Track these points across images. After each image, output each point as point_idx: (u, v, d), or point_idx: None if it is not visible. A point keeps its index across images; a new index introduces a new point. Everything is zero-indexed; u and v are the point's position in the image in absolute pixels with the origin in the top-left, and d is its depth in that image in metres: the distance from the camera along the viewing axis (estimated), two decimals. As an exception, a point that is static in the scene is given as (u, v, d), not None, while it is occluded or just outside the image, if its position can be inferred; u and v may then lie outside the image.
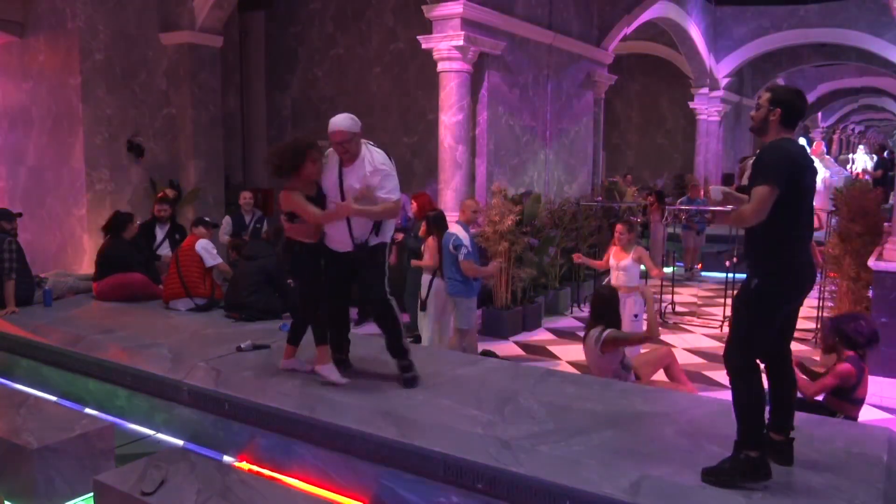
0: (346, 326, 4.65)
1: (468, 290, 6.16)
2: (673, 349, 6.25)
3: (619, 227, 6.46)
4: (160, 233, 7.58)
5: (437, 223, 6.24)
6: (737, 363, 3.05)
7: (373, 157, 4.21)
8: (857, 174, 18.63)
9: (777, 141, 3.04)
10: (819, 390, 4.34)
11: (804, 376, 4.46)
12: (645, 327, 5.64)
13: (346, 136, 4.09)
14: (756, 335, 3.04)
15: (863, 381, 4.38)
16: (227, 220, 8.11)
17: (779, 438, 3.18)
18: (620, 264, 6.30)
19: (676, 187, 16.11)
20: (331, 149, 4.27)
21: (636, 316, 6.27)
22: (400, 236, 7.14)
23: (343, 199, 4.19)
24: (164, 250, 7.44)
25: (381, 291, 4.39)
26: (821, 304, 7.90)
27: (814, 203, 3.10)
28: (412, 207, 7.46)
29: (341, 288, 4.52)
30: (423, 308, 6.25)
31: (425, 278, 6.25)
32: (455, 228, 6.18)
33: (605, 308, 5.13)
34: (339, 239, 4.30)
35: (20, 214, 6.78)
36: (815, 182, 3.11)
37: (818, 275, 3.35)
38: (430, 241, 6.23)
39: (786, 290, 3.04)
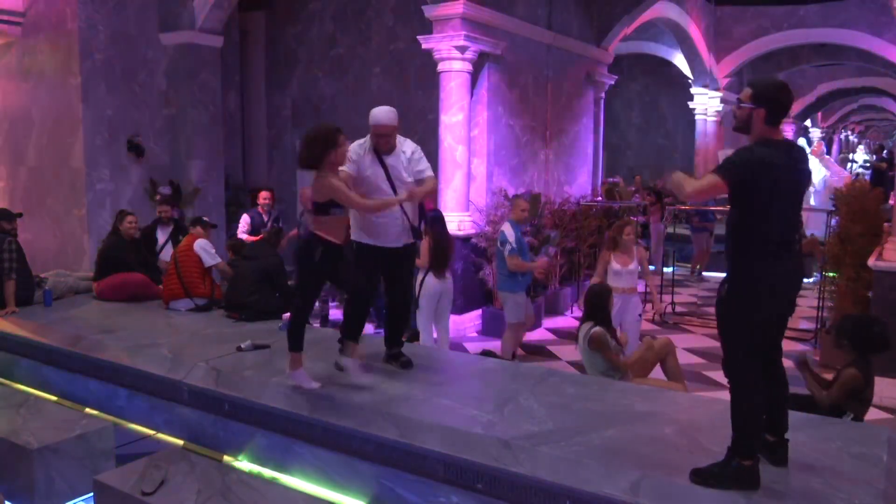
0: (405, 322, 4.77)
1: (514, 285, 6.34)
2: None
3: (627, 228, 6.37)
4: (162, 235, 7.46)
5: (434, 224, 6.26)
6: (734, 372, 2.99)
7: (404, 143, 4.38)
8: (857, 173, 18.62)
9: (751, 146, 2.89)
10: (833, 401, 4.32)
11: (815, 383, 4.43)
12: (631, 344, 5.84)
13: (390, 130, 4.24)
14: (743, 343, 2.94)
15: (870, 382, 4.36)
16: (244, 220, 8.10)
17: (773, 439, 3.15)
18: (629, 268, 6.24)
19: (676, 187, 16.07)
20: (353, 144, 4.26)
21: (640, 315, 6.38)
22: None
23: (395, 189, 4.25)
24: (168, 253, 7.04)
25: (411, 282, 4.93)
26: (821, 304, 7.90)
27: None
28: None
29: (397, 284, 4.61)
30: (416, 305, 6.28)
31: (419, 277, 6.28)
32: (504, 226, 6.38)
33: (597, 303, 5.27)
34: (395, 232, 4.36)
35: (20, 214, 6.77)
36: (790, 187, 2.90)
37: (803, 281, 3.15)
38: (423, 241, 6.25)
39: (756, 301, 2.89)
